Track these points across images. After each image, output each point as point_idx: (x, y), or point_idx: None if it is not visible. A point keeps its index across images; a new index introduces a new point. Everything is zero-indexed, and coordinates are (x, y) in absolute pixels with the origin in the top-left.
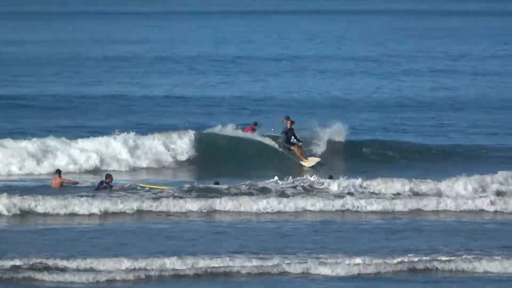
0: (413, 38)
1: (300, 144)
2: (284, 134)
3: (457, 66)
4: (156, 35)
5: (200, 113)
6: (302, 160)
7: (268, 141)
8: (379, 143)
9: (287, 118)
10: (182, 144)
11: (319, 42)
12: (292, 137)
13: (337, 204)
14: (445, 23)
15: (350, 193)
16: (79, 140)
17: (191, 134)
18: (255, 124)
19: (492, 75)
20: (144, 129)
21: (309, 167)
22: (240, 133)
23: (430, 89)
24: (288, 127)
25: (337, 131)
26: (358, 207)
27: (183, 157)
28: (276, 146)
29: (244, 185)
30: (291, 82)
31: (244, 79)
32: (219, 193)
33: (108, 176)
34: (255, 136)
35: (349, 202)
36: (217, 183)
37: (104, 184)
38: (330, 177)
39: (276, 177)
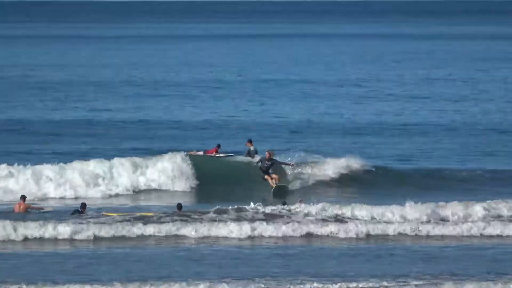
0: (378, 62)
1: (273, 176)
2: (261, 163)
3: (423, 91)
4: (119, 59)
5: (163, 136)
6: (272, 184)
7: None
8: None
9: (250, 141)
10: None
11: (288, 65)
12: (269, 167)
13: (293, 229)
14: (418, 46)
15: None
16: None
17: (179, 156)
18: (219, 146)
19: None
20: (113, 153)
21: (276, 189)
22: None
23: (397, 114)
24: (267, 157)
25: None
26: (319, 232)
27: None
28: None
29: (211, 211)
30: (255, 105)
31: (210, 103)
32: (183, 218)
33: (83, 205)
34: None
35: (307, 227)
36: (179, 206)
37: (78, 213)
38: (284, 203)
39: (251, 203)
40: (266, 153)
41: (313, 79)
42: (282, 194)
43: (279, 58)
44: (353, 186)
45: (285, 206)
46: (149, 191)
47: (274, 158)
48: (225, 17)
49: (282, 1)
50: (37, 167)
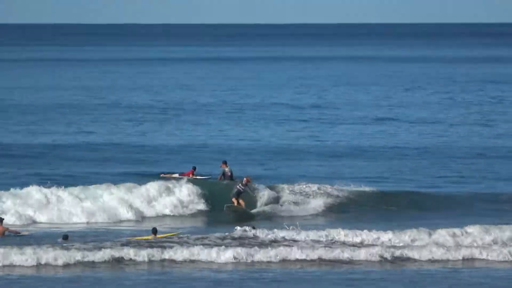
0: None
1: (240, 202)
2: (237, 188)
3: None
4: (94, 82)
5: (137, 160)
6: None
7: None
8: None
9: (224, 162)
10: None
11: (265, 89)
12: (241, 192)
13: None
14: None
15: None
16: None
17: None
18: (194, 168)
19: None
20: (87, 177)
21: (232, 208)
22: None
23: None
24: (244, 182)
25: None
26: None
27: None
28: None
29: (186, 236)
30: (232, 128)
31: (186, 126)
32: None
33: (66, 236)
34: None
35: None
36: (65, 237)
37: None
38: (253, 227)
39: (237, 227)
40: (245, 178)
41: (291, 103)
42: (236, 214)
43: (256, 81)
44: (335, 210)
45: (254, 230)
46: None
47: (250, 184)
48: (204, 40)
49: (263, 24)
50: (24, 191)
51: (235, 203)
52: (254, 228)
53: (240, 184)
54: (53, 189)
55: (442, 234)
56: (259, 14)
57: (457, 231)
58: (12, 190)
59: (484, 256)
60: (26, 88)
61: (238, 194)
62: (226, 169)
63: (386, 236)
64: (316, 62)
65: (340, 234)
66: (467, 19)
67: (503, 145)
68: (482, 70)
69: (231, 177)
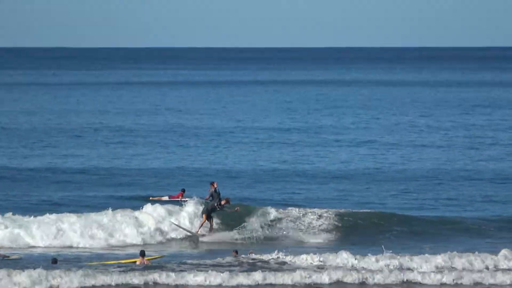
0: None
1: (211, 222)
2: (213, 201)
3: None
4: (87, 106)
5: (125, 184)
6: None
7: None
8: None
9: (212, 183)
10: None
11: (254, 113)
12: (214, 210)
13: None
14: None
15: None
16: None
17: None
18: (183, 190)
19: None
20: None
21: (194, 236)
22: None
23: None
24: (222, 203)
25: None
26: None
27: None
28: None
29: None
30: (219, 151)
31: (174, 149)
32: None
33: (55, 260)
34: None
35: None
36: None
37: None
38: (236, 252)
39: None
40: (224, 200)
41: (279, 126)
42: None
43: (245, 104)
44: (324, 232)
45: (237, 255)
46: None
47: (228, 205)
48: (197, 64)
49: (252, 48)
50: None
51: (204, 220)
52: (236, 252)
53: (217, 203)
54: (54, 216)
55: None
56: (247, 38)
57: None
58: (5, 214)
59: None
60: (14, 111)
61: (211, 211)
62: (214, 190)
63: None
64: (304, 85)
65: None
66: (456, 43)
67: (492, 168)
68: (471, 94)
69: (219, 198)
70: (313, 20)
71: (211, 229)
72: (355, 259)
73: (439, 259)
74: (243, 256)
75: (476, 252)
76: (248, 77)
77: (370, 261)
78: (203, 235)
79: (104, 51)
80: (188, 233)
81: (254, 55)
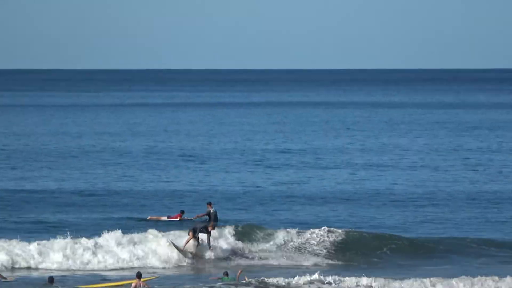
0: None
1: (194, 243)
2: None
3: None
4: (80, 127)
5: (122, 205)
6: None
7: None
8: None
9: (210, 203)
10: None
11: (251, 134)
12: (197, 231)
13: None
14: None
15: None
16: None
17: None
18: (182, 212)
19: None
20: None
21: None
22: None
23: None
24: (209, 229)
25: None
26: None
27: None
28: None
29: None
30: (217, 173)
31: (172, 171)
32: None
33: (51, 279)
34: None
35: None
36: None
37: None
38: (225, 274)
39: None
40: (210, 225)
41: (276, 148)
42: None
43: (243, 126)
44: (317, 255)
45: (228, 277)
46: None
47: (211, 232)
48: (193, 86)
49: (245, 69)
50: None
51: (190, 236)
52: (227, 274)
53: (203, 227)
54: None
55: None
56: (241, 59)
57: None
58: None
59: None
60: (12, 134)
61: (195, 232)
62: (211, 210)
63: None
64: (300, 107)
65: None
66: (451, 65)
67: (496, 190)
68: (467, 115)
69: (215, 218)
70: (307, 42)
71: (197, 246)
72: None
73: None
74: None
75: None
76: (244, 99)
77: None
78: (194, 255)
79: (99, 73)
80: (180, 253)
81: (249, 76)
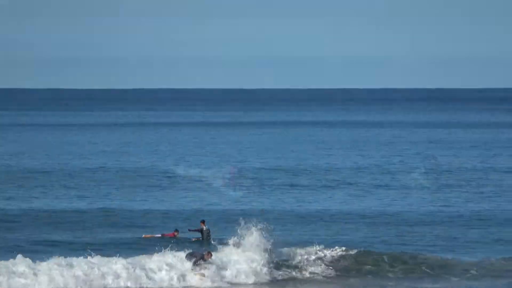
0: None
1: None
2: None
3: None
4: (77, 147)
5: (116, 224)
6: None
7: None
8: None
9: (203, 221)
10: None
11: (246, 153)
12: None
13: None
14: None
15: None
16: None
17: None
18: (177, 230)
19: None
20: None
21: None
22: None
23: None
24: (206, 258)
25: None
26: None
27: None
28: None
29: None
30: (213, 192)
31: (163, 191)
32: None
33: None
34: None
35: None
36: None
37: None
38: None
39: None
40: (206, 254)
41: (271, 167)
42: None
43: (238, 145)
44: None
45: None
46: None
47: (209, 260)
48: (190, 105)
49: (237, 89)
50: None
51: (198, 274)
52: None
53: (201, 259)
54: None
55: None
56: (236, 79)
57: None
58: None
59: None
60: (12, 153)
61: (196, 265)
62: (204, 228)
63: None
64: (297, 126)
65: None
66: (450, 85)
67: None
68: (466, 134)
69: (208, 237)
70: (303, 61)
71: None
72: None
73: None
74: None
75: None
76: (235, 119)
77: None
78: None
79: (95, 92)
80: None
81: (244, 96)
